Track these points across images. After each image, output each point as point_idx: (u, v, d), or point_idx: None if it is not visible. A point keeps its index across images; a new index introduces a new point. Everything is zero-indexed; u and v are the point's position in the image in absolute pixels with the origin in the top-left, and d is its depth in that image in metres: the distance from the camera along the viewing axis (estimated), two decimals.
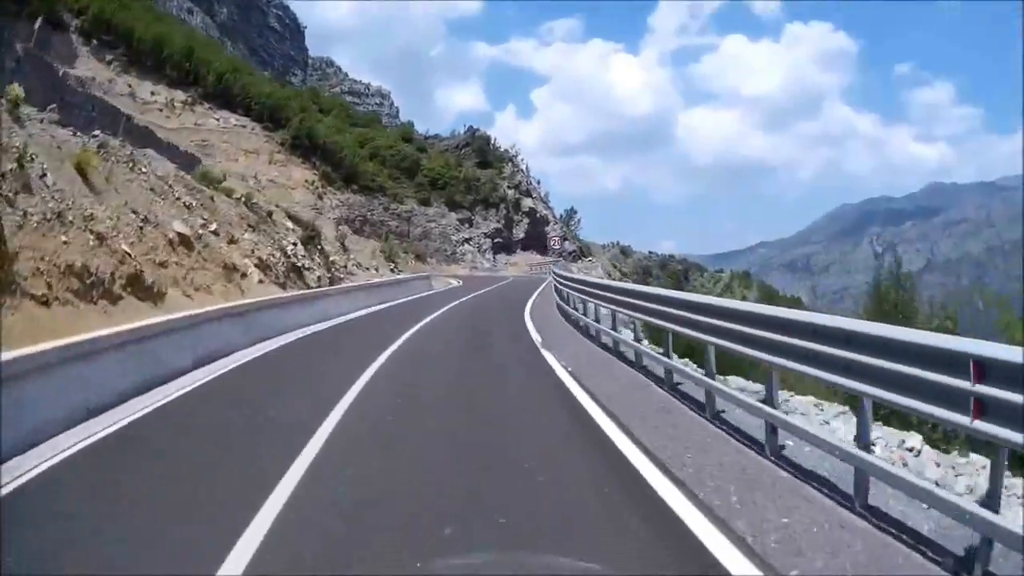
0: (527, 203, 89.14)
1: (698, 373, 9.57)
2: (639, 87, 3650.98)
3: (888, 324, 6.50)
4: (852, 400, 7.21)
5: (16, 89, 18.24)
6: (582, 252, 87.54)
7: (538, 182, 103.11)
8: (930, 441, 8.18)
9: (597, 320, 16.07)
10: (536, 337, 17.28)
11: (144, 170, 21.76)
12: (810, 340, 6.01)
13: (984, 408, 4.17)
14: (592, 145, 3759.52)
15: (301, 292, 22.96)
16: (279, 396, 10.85)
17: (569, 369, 12.33)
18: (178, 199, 22.47)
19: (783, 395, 9.52)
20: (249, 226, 26.41)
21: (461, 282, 49.77)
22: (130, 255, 17.04)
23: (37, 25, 30.56)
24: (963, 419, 4.27)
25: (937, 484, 5.39)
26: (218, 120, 57.87)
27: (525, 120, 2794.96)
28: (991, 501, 4.26)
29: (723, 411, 8.40)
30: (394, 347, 15.38)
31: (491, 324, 22.29)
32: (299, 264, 29.07)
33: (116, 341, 10.67)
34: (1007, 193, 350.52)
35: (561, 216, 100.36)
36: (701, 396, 8.90)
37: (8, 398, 7.24)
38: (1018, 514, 4.71)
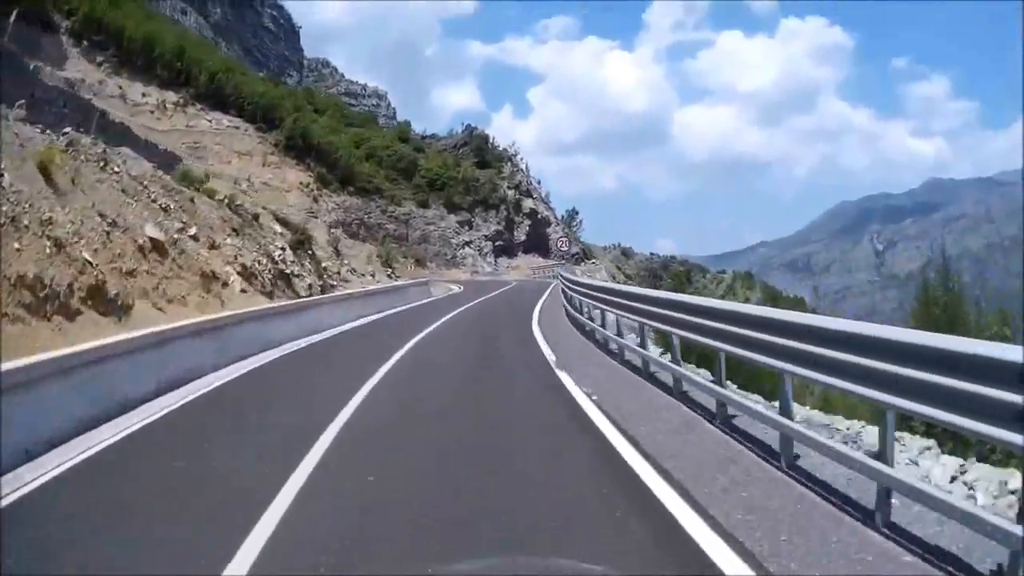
0: (528, 204, 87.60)
1: (762, 406, 7.93)
2: (634, 84, 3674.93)
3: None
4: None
5: None
6: (585, 255, 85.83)
7: (538, 182, 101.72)
8: None
9: (619, 333, 14.28)
10: (550, 356, 15.26)
11: (117, 170, 19.97)
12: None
13: None
14: (588, 143, 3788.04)
15: (285, 303, 21.04)
16: (247, 436, 9.03)
17: (594, 398, 10.44)
18: (154, 201, 20.67)
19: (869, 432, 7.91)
20: (232, 230, 24.55)
21: (462, 288, 47.61)
22: (91, 264, 15.30)
23: (12, 18, 28.74)
24: None
25: None
26: (210, 121, 56.06)
27: (522, 120, 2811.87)
28: None
29: (799, 455, 6.67)
30: (383, 371, 13.47)
31: (497, 332, 20.72)
32: (288, 271, 27.22)
33: (62, 366, 8.99)
34: (1005, 188, 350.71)
35: (562, 217, 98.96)
36: (763, 432, 7.43)
37: None
38: None
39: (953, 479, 6.34)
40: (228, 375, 13.32)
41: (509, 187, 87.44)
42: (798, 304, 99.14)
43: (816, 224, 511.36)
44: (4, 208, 13.71)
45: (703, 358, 12.58)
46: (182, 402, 10.82)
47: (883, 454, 5.23)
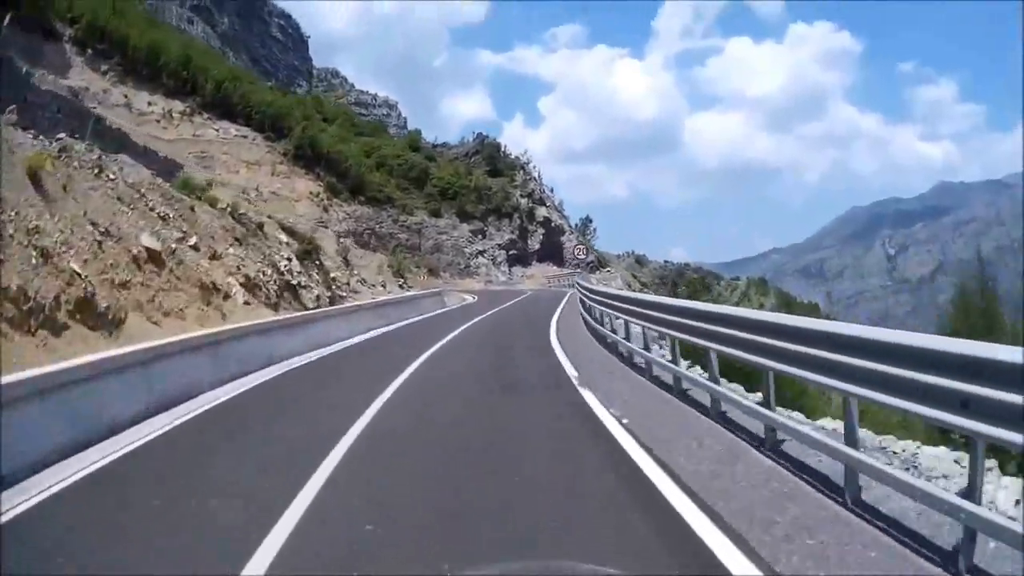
0: (541, 212, 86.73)
1: (822, 434, 6.82)
2: (644, 92, 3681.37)
3: None
4: None
5: None
6: (599, 263, 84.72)
7: (551, 190, 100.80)
8: None
9: (646, 347, 13.09)
10: (571, 371, 13.99)
11: (112, 177, 18.99)
12: None
13: None
14: (598, 152, 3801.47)
15: (290, 316, 19.83)
16: (238, 466, 7.86)
17: (624, 422, 9.22)
18: (151, 209, 19.65)
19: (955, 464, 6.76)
20: (235, 239, 23.46)
21: (476, 298, 46.23)
22: (80, 275, 14.27)
23: (5, 22, 27.89)
24: None
25: None
26: (217, 130, 55.14)
27: (533, 129, 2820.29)
28: None
29: (864, 487, 5.79)
30: (393, 389, 12.29)
31: (513, 342, 19.78)
32: (294, 282, 26.11)
33: (40, 386, 8.11)
34: (1014, 190, 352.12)
35: (576, 225, 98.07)
36: (817, 460, 6.66)
37: None
38: None
39: (1017, 502, 5.65)
40: (226, 393, 12.25)
41: (522, 195, 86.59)
42: (812, 310, 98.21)
43: (828, 230, 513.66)
44: None
45: (729, 368, 11.30)
46: (169, 427, 9.72)
47: (972, 492, 4.43)
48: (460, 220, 76.21)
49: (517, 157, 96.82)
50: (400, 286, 48.38)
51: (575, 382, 12.66)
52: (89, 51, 48.57)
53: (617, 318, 15.97)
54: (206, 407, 11.07)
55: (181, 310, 17.19)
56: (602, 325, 18.29)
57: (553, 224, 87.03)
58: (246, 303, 20.42)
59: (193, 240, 20.29)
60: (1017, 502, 5.62)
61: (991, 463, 6.64)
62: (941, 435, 9.18)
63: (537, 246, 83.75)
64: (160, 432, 9.38)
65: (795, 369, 6.61)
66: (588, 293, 23.11)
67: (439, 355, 17.29)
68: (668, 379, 11.38)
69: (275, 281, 23.94)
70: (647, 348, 13.01)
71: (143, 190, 20.10)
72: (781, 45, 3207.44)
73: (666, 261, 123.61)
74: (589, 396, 11.14)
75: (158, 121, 50.38)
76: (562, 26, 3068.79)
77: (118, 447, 8.49)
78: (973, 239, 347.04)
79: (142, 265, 16.89)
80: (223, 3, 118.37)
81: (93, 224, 16.15)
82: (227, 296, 19.75)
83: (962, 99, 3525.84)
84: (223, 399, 11.81)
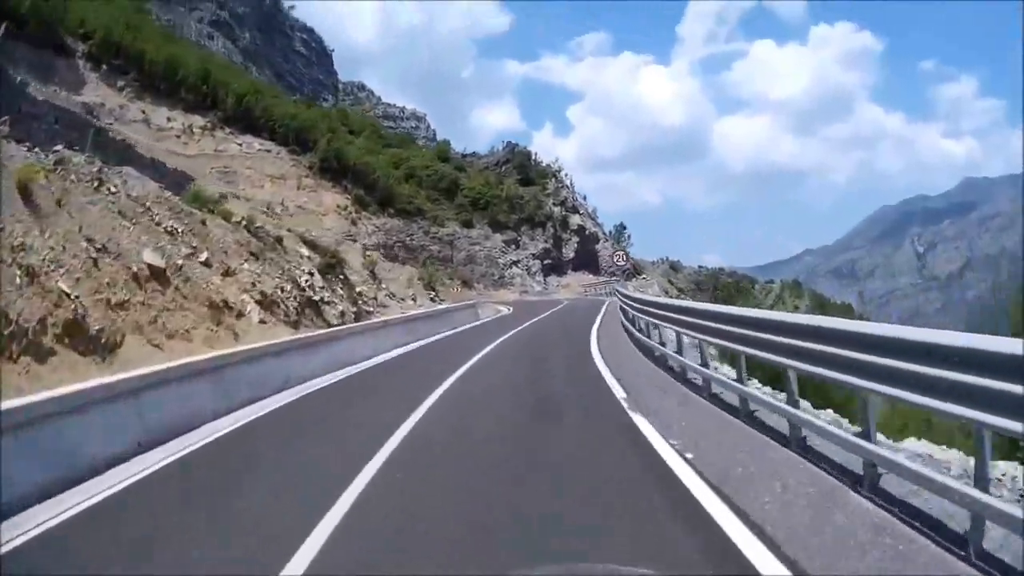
0: (575, 220, 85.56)
1: (947, 477, 5.21)
2: (671, 98, 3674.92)
3: None
4: None
5: None
6: (636, 270, 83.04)
7: (584, 197, 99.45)
8: None
9: (704, 363, 11.20)
10: (618, 391, 12.03)
11: (113, 190, 17.55)
12: None
13: None
14: (627, 159, 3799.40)
15: (308, 334, 17.94)
16: (234, 518, 6.25)
17: (687, 456, 7.47)
18: (157, 224, 18.15)
19: None
20: (251, 254, 21.84)
21: (511, 309, 44.61)
22: (69, 295, 12.79)
23: (1, 31, 26.63)
24: None
25: None
26: (240, 145, 53.91)
27: (562, 138, 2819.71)
28: None
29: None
30: (415, 420, 10.47)
31: (548, 354, 18.54)
32: (316, 298, 24.50)
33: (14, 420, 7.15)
34: None
35: (610, 233, 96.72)
36: (924, 500, 5.39)
37: None
38: None
39: None
40: (231, 424, 10.79)
41: (555, 204, 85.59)
42: (846, 311, 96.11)
43: (857, 230, 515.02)
44: None
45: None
46: (157, 466, 8.41)
47: None
48: (493, 230, 75.05)
49: (548, 165, 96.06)
50: (431, 299, 46.75)
51: (624, 405, 10.80)
52: (104, 67, 47.58)
53: (667, 329, 14.17)
54: (206, 440, 9.71)
55: (187, 331, 15.63)
56: (648, 337, 16.49)
57: (587, 232, 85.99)
58: (262, 321, 18.82)
59: (204, 256, 18.75)
60: None
61: None
62: None
63: (572, 255, 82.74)
64: (150, 471, 8.17)
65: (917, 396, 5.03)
66: (629, 302, 21.21)
67: (470, 376, 15.13)
68: (731, 398, 9.86)
69: (295, 297, 22.33)
70: (705, 364, 11.17)
71: (148, 204, 18.61)
72: (804, 47, 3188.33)
73: (700, 266, 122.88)
74: (642, 422, 9.38)
75: (178, 136, 49.29)
76: (587, 35, 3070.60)
77: (87, 495, 7.20)
78: (998, 234, 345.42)
79: (143, 283, 15.39)
80: (243, 18, 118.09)
81: (88, 240, 14.74)
82: (240, 314, 18.16)
83: (982, 95, 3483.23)
84: (226, 430, 10.36)
